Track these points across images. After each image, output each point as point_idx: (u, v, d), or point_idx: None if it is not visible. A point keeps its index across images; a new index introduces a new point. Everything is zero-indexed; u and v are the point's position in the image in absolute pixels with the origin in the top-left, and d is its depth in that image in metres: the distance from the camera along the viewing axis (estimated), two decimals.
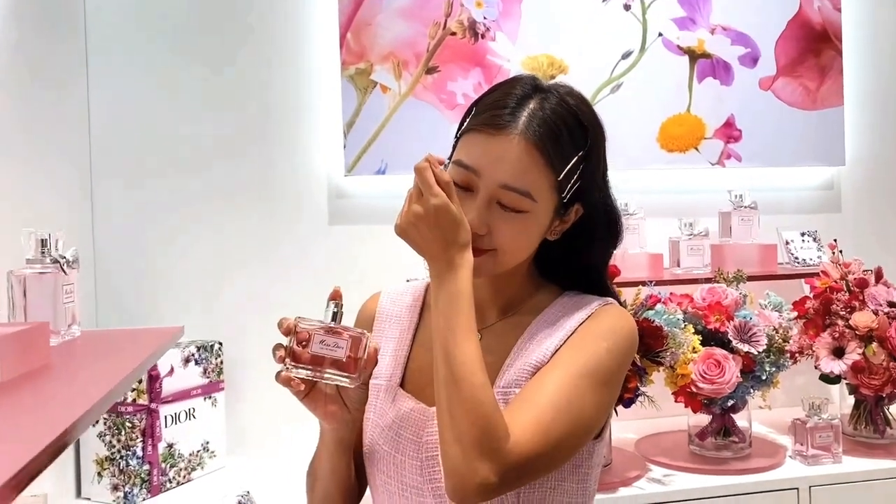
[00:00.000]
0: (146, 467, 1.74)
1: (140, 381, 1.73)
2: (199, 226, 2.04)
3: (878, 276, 1.94)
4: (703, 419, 1.87)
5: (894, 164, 2.44)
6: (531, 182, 0.97)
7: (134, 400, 1.73)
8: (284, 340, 0.92)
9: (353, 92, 2.07)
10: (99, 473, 1.74)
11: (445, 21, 2.10)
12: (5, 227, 1.33)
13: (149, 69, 2.01)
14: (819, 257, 2.19)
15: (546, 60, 2.16)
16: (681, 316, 1.76)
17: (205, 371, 1.89)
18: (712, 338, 1.79)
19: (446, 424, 0.90)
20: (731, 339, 1.76)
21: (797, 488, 1.73)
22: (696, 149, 2.25)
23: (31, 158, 1.58)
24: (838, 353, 1.84)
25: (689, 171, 2.26)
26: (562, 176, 0.98)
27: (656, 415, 1.78)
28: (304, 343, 0.91)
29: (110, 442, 1.73)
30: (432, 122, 2.08)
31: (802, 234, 2.24)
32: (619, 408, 1.64)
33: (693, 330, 1.76)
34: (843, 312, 1.86)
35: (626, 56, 2.21)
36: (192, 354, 1.86)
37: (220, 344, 1.94)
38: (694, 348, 1.74)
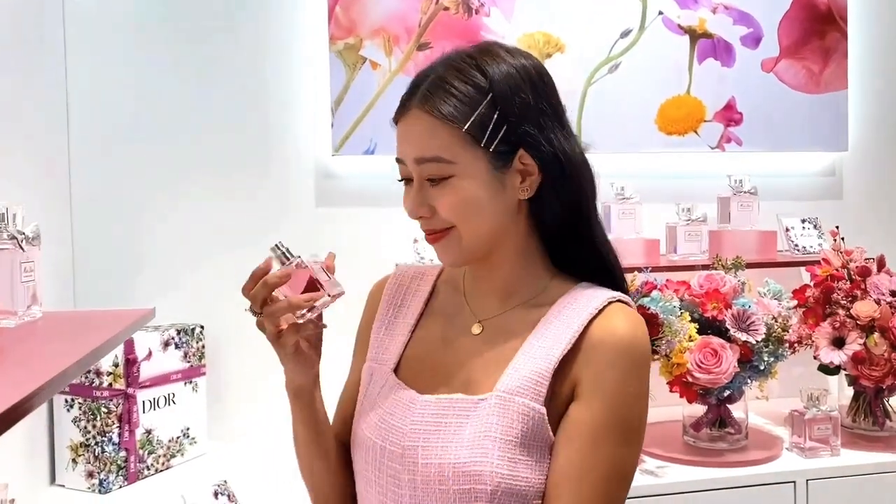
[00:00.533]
0: (123, 454, 1.68)
1: (116, 366, 1.68)
2: (183, 207, 1.97)
3: (881, 264, 1.89)
4: (699, 409, 1.82)
5: None
6: (437, 146, 0.95)
7: (110, 385, 1.67)
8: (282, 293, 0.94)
9: (341, 68, 2.00)
10: (73, 460, 1.68)
11: None
12: None
13: (131, 45, 1.93)
14: (820, 245, 2.13)
15: (542, 38, 2.09)
16: (677, 303, 1.71)
17: (185, 355, 1.83)
18: (709, 326, 1.74)
19: None
20: (728, 327, 1.71)
21: (794, 482, 1.69)
22: (696, 132, 2.19)
23: (4, 135, 1.51)
24: (838, 343, 1.79)
25: (687, 154, 2.20)
26: (467, 126, 0.94)
27: (650, 404, 1.72)
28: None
29: (85, 427, 1.67)
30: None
31: (803, 221, 2.19)
32: None
33: (689, 318, 1.71)
34: (844, 301, 1.81)
35: (624, 35, 2.14)
36: (172, 338, 1.80)
37: (202, 327, 1.88)
38: (690, 337, 1.69)
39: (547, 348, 0.97)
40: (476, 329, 1.05)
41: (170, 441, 1.79)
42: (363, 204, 2.06)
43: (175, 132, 1.96)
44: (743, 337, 1.70)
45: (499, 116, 0.96)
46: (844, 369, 1.82)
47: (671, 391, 1.73)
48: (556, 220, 1.02)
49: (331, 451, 1.10)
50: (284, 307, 0.93)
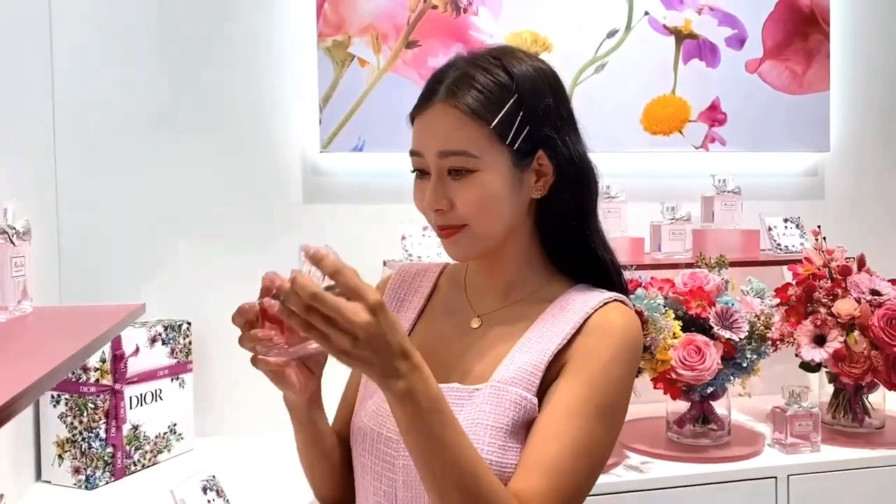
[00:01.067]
0: (109, 450, 1.68)
1: (103, 361, 1.67)
2: (170, 203, 1.96)
3: (861, 263, 1.92)
4: (682, 406, 1.84)
5: (879, 152, 2.42)
6: (463, 139, 0.97)
7: (97, 380, 1.67)
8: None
9: (329, 65, 2.00)
10: (59, 456, 1.67)
11: None
12: None
13: (115, 41, 1.92)
14: (802, 244, 2.16)
15: (530, 37, 2.10)
16: (662, 301, 1.73)
17: (172, 351, 1.83)
18: (693, 324, 1.76)
19: None
20: (712, 325, 1.73)
21: (775, 477, 1.71)
22: (681, 132, 2.21)
23: None
24: (819, 340, 1.82)
25: (672, 154, 2.23)
26: (494, 123, 0.97)
27: (634, 401, 1.74)
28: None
29: (72, 423, 1.66)
30: (411, 98, 1.94)
31: (785, 221, 2.22)
32: None
33: (674, 315, 1.73)
34: (826, 300, 1.84)
35: (611, 35, 2.16)
36: (160, 334, 1.80)
37: (189, 324, 1.88)
38: (674, 334, 1.71)
39: (543, 342, 1.00)
40: (475, 323, 1.08)
41: (156, 437, 1.79)
42: (351, 201, 2.06)
43: (162, 128, 1.95)
44: (726, 334, 1.72)
45: (523, 116, 0.98)
46: (825, 367, 1.84)
47: (655, 388, 1.75)
48: (562, 220, 1.05)
49: (332, 453, 1.11)
50: (243, 337, 0.88)
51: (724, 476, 1.70)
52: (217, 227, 1.99)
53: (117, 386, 1.69)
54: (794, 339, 1.84)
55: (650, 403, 1.87)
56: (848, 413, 1.93)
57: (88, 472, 1.65)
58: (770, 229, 2.19)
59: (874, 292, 1.83)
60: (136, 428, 1.74)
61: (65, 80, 1.89)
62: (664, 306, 1.72)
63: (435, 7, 2.04)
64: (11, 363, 0.77)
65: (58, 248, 1.89)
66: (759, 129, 2.26)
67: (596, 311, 1.00)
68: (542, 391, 0.98)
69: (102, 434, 1.67)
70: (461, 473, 0.86)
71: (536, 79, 1.02)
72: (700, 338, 1.71)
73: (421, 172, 1.02)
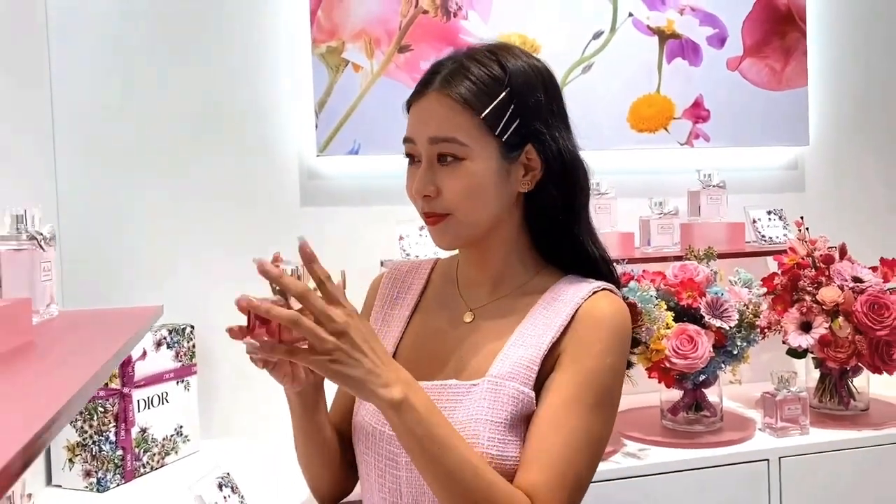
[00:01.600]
0: (119, 452, 1.70)
1: None
2: (169, 207, 2.00)
3: (843, 252, 1.99)
4: (676, 394, 1.90)
5: (856, 144, 2.50)
6: (454, 127, 1.00)
7: (106, 384, 1.69)
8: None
9: (324, 70, 2.04)
10: (70, 460, 1.70)
11: None
12: None
13: (113, 48, 1.95)
14: (785, 235, 2.23)
15: (518, 40, 2.15)
16: (654, 293, 1.78)
17: (177, 355, 1.86)
18: (685, 314, 1.81)
19: None
20: (703, 314, 1.79)
21: (767, 459, 1.78)
22: (666, 129, 2.28)
23: None
24: (805, 327, 1.89)
25: (658, 151, 2.29)
26: (485, 114, 1.00)
27: (626, 391, 1.80)
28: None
29: (82, 427, 1.69)
30: (405, 101, 2.06)
31: (769, 213, 2.29)
32: None
33: (666, 306, 1.79)
34: (810, 288, 1.91)
35: (597, 36, 2.22)
36: (165, 338, 1.83)
37: (192, 327, 1.91)
38: (667, 324, 1.76)
39: (537, 336, 1.02)
40: (468, 317, 1.10)
41: (164, 439, 1.82)
42: (348, 203, 2.10)
43: (161, 133, 1.98)
44: (717, 323, 1.78)
45: (514, 109, 1.02)
46: (812, 352, 1.91)
47: (650, 377, 1.80)
48: (550, 215, 1.07)
49: (329, 446, 1.13)
50: (232, 330, 0.93)
51: (718, 460, 1.76)
52: (218, 232, 2.02)
53: (125, 389, 1.72)
54: (782, 326, 1.90)
55: (645, 393, 1.93)
56: (834, 397, 2.00)
57: (99, 474, 1.68)
58: (754, 221, 2.26)
59: (856, 279, 1.90)
60: (144, 431, 1.76)
61: (63, 84, 1.91)
62: (657, 298, 1.78)
63: (426, 12, 2.09)
64: (59, 364, 0.80)
65: (59, 254, 1.92)
66: (741, 125, 2.33)
67: (585, 300, 1.03)
68: (539, 384, 1.01)
69: (112, 437, 1.70)
70: (467, 473, 0.90)
71: (529, 74, 1.05)
72: (692, 327, 1.77)
73: (413, 159, 1.06)
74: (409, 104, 1.07)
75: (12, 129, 1.67)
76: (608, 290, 1.07)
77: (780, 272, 1.98)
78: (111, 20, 1.95)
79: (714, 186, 2.19)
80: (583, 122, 2.05)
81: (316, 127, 2.04)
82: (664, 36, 2.27)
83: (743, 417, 1.98)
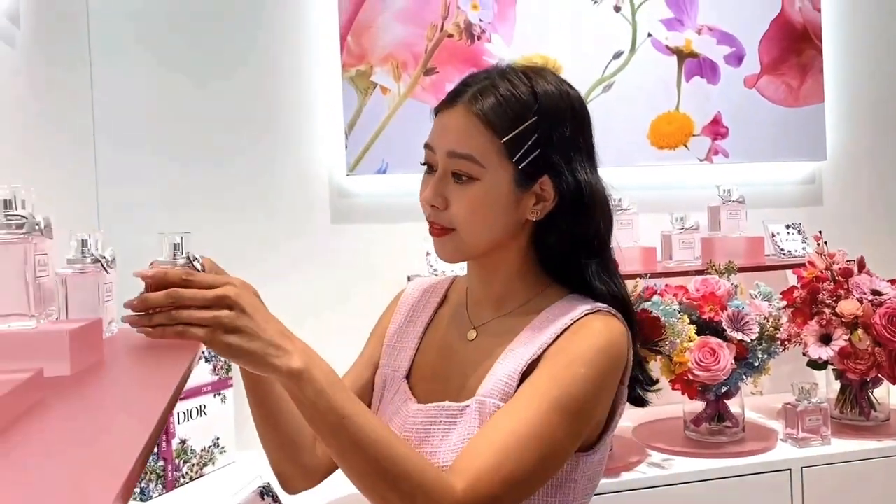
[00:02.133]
0: (161, 463, 1.77)
1: None
2: (202, 225, 2.07)
3: (861, 265, 2.02)
4: (698, 406, 1.94)
5: (873, 158, 2.54)
6: (474, 146, 0.99)
7: None
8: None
9: (353, 93, 2.11)
10: None
11: (442, 23, 2.16)
12: None
13: (150, 73, 2.04)
14: (804, 248, 2.27)
15: (540, 61, 2.21)
16: (677, 307, 1.83)
17: (214, 368, 1.93)
18: (707, 327, 1.86)
19: None
20: (724, 327, 1.84)
21: (790, 469, 1.81)
22: (685, 146, 2.33)
23: (32, 147, 1.61)
24: (825, 339, 1.92)
25: (678, 167, 2.34)
26: (506, 139, 0.99)
27: (653, 401, 1.83)
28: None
29: None
30: (431, 122, 2.13)
31: (787, 227, 2.33)
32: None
33: (688, 320, 1.83)
34: (830, 301, 1.94)
35: (617, 56, 2.28)
36: (203, 352, 1.90)
37: None
38: (690, 338, 1.81)
39: (521, 352, 1.00)
40: (471, 335, 1.09)
41: (202, 450, 1.88)
42: (376, 220, 2.17)
43: (199, 155, 2.06)
44: (738, 336, 1.82)
45: (537, 138, 1.00)
46: (832, 364, 1.95)
47: (673, 389, 1.84)
48: (561, 248, 1.05)
49: (284, 418, 1.12)
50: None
51: (741, 470, 1.80)
52: (251, 249, 2.09)
53: None
54: (802, 338, 1.94)
55: (665, 406, 1.98)
56: (855, 408, 2.03)
57: (143, 484, 1.75)
58: (773, 235, 2.31)
59: (875, 292, 1.93)
60: (183, 442, 1.83)
61: (104, 107, 2.00)
62: (679, 312, 1.83)
63: (451, 36, 2.16)
64: (137, 380, 0.86)
65: None
66: (759, 141, 2.38)
67: (577, 320, 0.99)
68: None
69: (154, 448, 1.76)
70: (376, 445, 0.84)
71: (560, 103, 1.02)
72: (714, 340, 1.81)
73: (429, 167, 1.05)
74: (437, 110, 1.07)
75: (54, 145, 1.74)
76: (608, 312, 1.02)
77: (799, 285, 2.01)
78: (149, 49, 2.03)
79: (734, 201, 2.24)
80: (604, 140, 2.11)
81: (346, 147, 2.11)
82: (683, 55, 2.33)
83: (765, 428, 2.02)
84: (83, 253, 1.06)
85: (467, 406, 1.00)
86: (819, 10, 2.42)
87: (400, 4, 2.13)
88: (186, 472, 1.84)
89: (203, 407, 1.89)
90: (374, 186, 2.17)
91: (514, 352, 1.01)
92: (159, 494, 1.76)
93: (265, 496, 1.46)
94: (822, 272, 2.00)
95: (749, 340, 1.83)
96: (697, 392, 1.85)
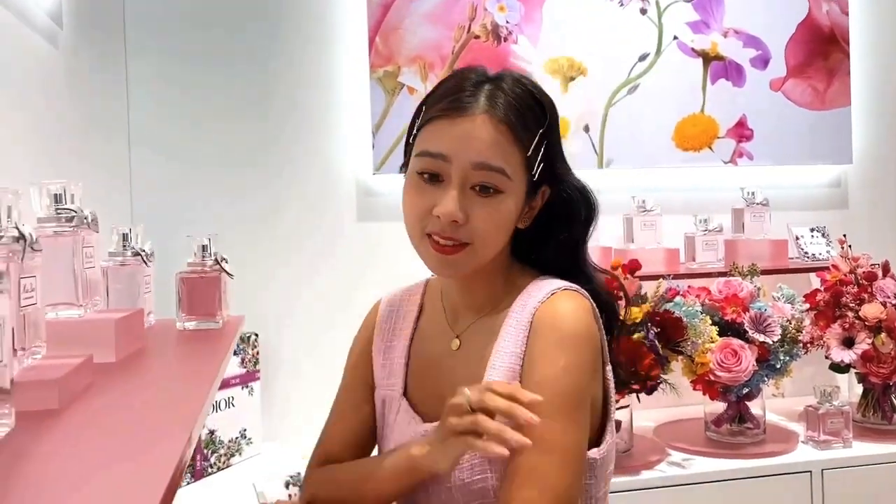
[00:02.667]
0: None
1: None
2: (232, 222, 2.11)
3: (886, 269, 2.02)
4: (720, 407, 1.96)
5: None
6: (504, 158, 0.95)
7: None
8: None
9: (381, 93, 2.15)
10: None
11: (469, 25, 2.19)
12: None
13: (182, 73, 2.09)
14: (828, 252, 2.27)
15: (566, 63, 2.24)
16: (699, 308, 1.84)
17: (242, 361, 1.97)
18: (729, 328, 1.87)
19: None
20: (747, 329, 1.85)
21: (810, 471, 1.82)
22: (710, 148, 2.34)
23: (70, 150, 1.66)
24: (848, 343, 1.93)
25: (703, 169, 2.35)
26: (530, 152, 0.97)
27: (671, 403, 1.86)
28: None
29: None
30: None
31: (812, 230, 2.33)
32: (641, 395, 1.73)
33: (711, 321, 1.84)
34: (853, 304, 1.95)
35: (642, 58, 2.29)
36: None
37: (256, 335, 2.02)
38: (712, 339, 1.82)
39: (509, 354, 0.99)
40: (455, 344, 1.06)
41: (230, 441, 1.93)
42: (401, 219, 2.18)
43: (230, 155, 2.11)
44: (760, 338, 1.84)
45: (545, 151, 1.00)
46: (854, 367, 1.95)
47: (694, 389, 1.86)
48: (560, 254, 1.05)
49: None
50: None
51: (761, 471, 1.81)
52: (281, 245, 2.14)
53: None
54: (824, 341, 1.95)
55: (686, 406, 1.99)
56: (877, 411, 2.03)
57: None
58: (797, 238, 2.31)
59: None
60: (212, 433, 1.88)
61: (139, 116, 2.05)
62: (702, 313, 1.84)
63: (477, 37, 2.19)
64: (180, 366, 0.89)
65: None
66: (784, 144, 2.39)
67: (540, 305, 0.98)
68: None
69: (203, 427, 1.81)
70: None
71: (555, 112, 1.03)
72: (736, 341, 1.83)
73: (432, 176, 0.97)
74: (438, 117, 0.98)
75: (91, 148, 1.79)
76: (569, 290, 1.00)
77: (822, 288, 2.02)
78: (181, 51, 2.08)
79: (758, 204, 2.24)
80: (629, 142, 2.13)
81: (373, 147, 2.15)
82: (708, 58, 2.34)
83: (786, 430, 2.03)
84: (124, 246, 1.10)
85: None
86: (847, 14, 2.42)
87: (428, 6, 2.16)
88: (214, 462, 1.88)
89: (231, 399, 1.94)
90: (400, 185, 2.18)
91: (500, 358, 1.00)
92: (187, 483, 1.81)
93: (291, 485, 1.50)
94: (845, 275, 2.00)
95: (771, 342, 1.84)
96: (719, 393, 1.87)
